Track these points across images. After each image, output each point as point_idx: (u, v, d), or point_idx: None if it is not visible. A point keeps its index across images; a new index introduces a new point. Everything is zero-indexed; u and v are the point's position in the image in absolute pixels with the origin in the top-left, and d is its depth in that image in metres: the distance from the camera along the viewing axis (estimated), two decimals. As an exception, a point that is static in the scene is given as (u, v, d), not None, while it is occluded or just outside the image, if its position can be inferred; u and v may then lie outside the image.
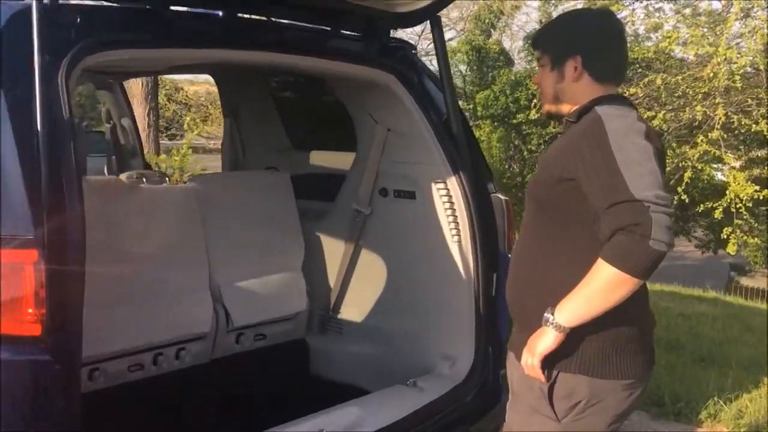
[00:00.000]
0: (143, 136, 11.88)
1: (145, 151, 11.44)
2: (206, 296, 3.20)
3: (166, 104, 24.27)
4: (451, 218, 3.13)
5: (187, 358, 3.17)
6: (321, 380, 3.58)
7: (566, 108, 2.24)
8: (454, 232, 3.12)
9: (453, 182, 3.10)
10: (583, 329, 2.04)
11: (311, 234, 3.70)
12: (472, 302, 3.08)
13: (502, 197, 3.20)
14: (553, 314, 2.03)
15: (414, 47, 3.47)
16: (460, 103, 15.23)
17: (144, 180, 3.17)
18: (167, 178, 3.40)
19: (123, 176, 3.17)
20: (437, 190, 3.15)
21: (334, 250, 3.65)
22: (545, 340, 2.05)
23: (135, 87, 11.87)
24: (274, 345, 3.52)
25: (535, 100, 10.95)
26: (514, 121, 16.11)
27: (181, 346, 3.14)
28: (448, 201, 3.13)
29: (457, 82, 17.05)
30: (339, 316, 3.67)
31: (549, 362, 2.09)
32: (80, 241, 2.02)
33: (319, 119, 4.24)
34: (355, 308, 3.62)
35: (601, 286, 1.95)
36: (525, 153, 16.44)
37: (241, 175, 4.03)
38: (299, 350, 3.63)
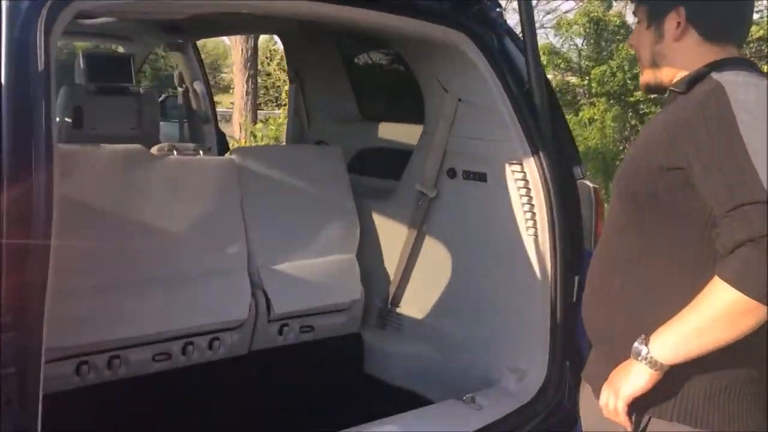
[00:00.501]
0: (240, 103, 11.84)
1: (242, 119, 11.47)
2: (244, 279, 2.86)
3: (276, 73, 24.44)
4: (527, 207, 2.63)
5: (221, 349, 2.84)
6: (374, 381, 3.18)
7: (667, 76, 1.72)
8: (529, 223, 2.63)
9: (531, 164, 2.60)
10: (687, 365, 1.55)
11: (370, 215, 3.29)
12: (548, 307, 2.58)
13: (590, 184, 2.66)
14: (647, 345, 1.55)
15: (498, 5, 2.95)
16: (573, 79, 14.30)
17: (174, 152, 2.85)
18: (201, 151, 3.06)
19: (154, 148, 2.87)
20: (512, 173, 2.65)
21: (394, 235, 3.22)
22: (635, 380, 1.57)
23: (235, 54, 11.81)
24: (324, 339, 3.14)
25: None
26: (631, 99, 15.00)
27: (215, 335, 2.81)
28: (524, 186, 2.62)
29: (572, 55, 16.14)
30: (398, 311, 3.24)
31: (638, 404, 1.61)
32: (46, 220, 1.67)
33: (392, 87, 3.80)
34: (415, 304, 3.19)
35: (718, 315, 1.46)
36: (642, 134, 15.36)
37: (288, 148, 3.69)
38: (352, 346, 3.23)
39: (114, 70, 5.03)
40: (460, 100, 2.84)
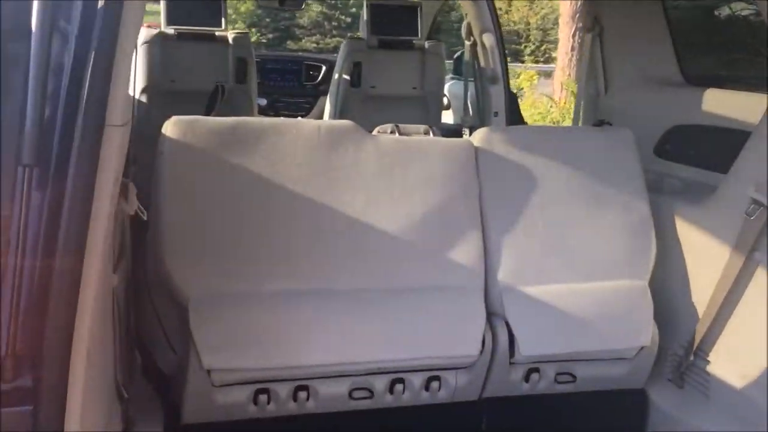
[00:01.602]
0: (563, 60, 10.80)
1: (565, 78, 10.45)
2: (477, 303, 2.12)
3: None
4: None
5: (442, 392, 2.14)
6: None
7: None
8: None
9: None
10: None
11: (673, 222, 2.32)
12: None
13: None
14: None
15: None
16: None
17: (396, 134, 2.23)
18: (431, 133, 2.33)
19: (377, 129, 2.27)
20: None
21: (708, 255, 2.20)
22: None
23: (563, 5, 10.77)
24: (590, 392, 2.27)
25: None
26: None
27: (434, 373, 2.11)
28: None
29: None
30: (707, 367, 2.24)
31: None
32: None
33: (735, 41, 2.69)
34: (733, 359, 2.16)
35: None
36: None
37: (552, 130, 2.83)
38: (631, 407, 2.31)
39: (399, 22, 4.50)
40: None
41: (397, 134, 2.23)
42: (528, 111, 10.58)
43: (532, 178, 2.22)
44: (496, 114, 4.20)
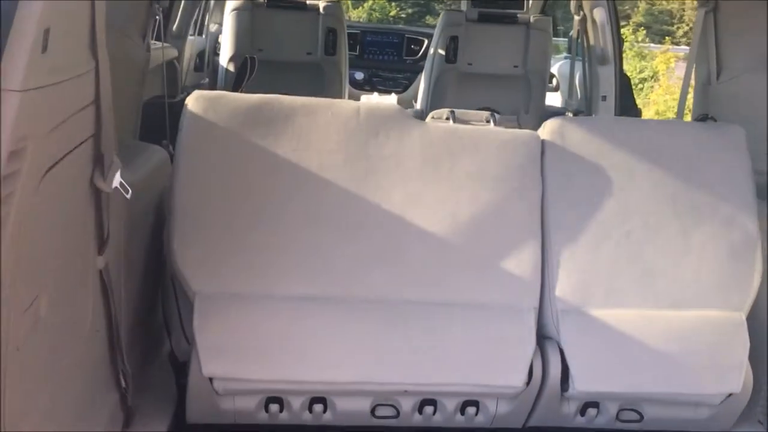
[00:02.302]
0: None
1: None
2: (527, 326, 1.80)
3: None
4: None
5: (480, 417, 1.86)
6: None
7: None
8: None
9: None
10: None
11: None
12: None
13: None
14: None
15: None
16: None
17: (451, 121, 1.96)
18: (492, 122, 2.01)
19: (431, 114, 2.02)
20: None
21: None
22: None
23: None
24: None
25: None
26: None
27: (471, 398, 1.83)
28: None
29: None
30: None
31: None
32: None
33: None
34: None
35: None
36: None
37: (639, 124, 2.33)
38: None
39: (505, -6, 4.19)
40: None
41: (451, 121, 1.95)
42: (661, 97, 9.86)
43: (610, 181, 1.86)
44: (604, 98, 3.82)
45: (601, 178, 1.87)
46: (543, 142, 1.88)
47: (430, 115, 2.00)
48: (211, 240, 1.74)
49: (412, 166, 1.80)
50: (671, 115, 9.42)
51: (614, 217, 1.85)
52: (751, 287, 1.85)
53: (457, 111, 1.99)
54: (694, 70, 2.59)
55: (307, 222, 1.76)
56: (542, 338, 1.82)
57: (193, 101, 1.78)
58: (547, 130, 1.91)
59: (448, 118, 1.97)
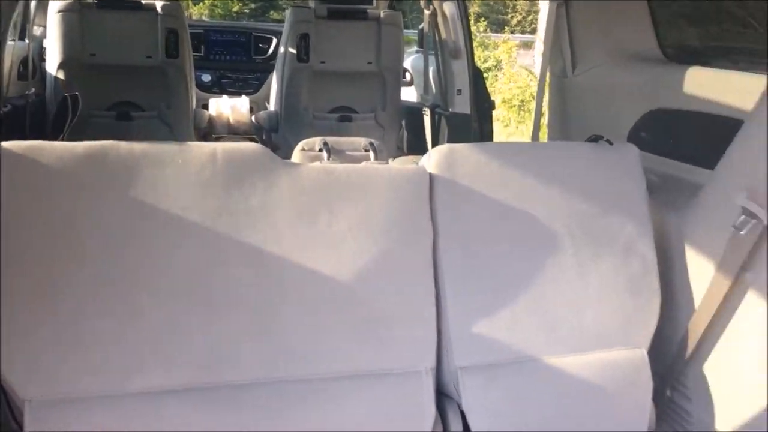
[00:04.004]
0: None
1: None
2: (425, 389, 1.64)
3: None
4: None
5: None
6: None
7: None
8: None
9: None
10: None
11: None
12: None
13: None
14: None
15: None
16: None
17: (326, 154, 1.73)
18: (372, 152, 1.83)
19: (300, 145, 1.79)
20: None
21: (694, 276, 1.80)
22: None
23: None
24: None
25: None
26: None
27: None
28: None
29: None
30: (687, 390, 1.86)
31: None
32: None
33: (721, 11, 2.30)
34: (714, 396, 1.78)
35: None
36: None
37: (534, 148, 2.13)
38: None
39: (352, -10, 4.08)
40: None
41: (326, 155, 1.74)
42: (506, 85, 10.16)
43: (505, 216, 1.71)
44: (459, 92, 3.80)
45: (495, 214, 1.71)
46: (431, 176, 1.68)
47: (300, 146, 1.79)
48: (38, 335, 1.41)
49: (284, 220, 1.55)
50: (517, 102, 9.74)
51: (511, 257, 1.71)
52: (652, 320, 1.79)
53: (330, 140, 1.78)
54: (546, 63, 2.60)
55: (158, 300, 1.46)
56: (442, 398, 1.68)
57: (4, 154, 1.41)
58: (433, 161, 1.70)
59: (321, 150, 1.76)
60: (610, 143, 1.83)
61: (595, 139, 1.85)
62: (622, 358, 1.76)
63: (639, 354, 1.77)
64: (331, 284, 1.57)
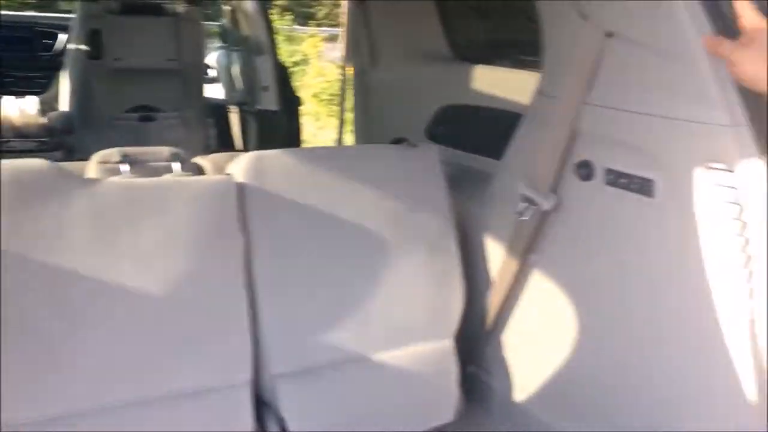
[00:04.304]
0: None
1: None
2: (242, 402, 1.65)
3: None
4: (739, 251, 1.30)
5: None
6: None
7: None
8: (738, 277, 1.30)
9: (751, 173, 1.25)
10: None
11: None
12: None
13: None
14: None
15: None
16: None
17: (126, 167, 1.63)
18: (195, 166, 1.76)
19: (96, 157, 1.66)
20: (715, 189, 1.31)
21: (490, 255, 1.93)
22: None
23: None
24: None
25: None
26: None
27: None
28: (736, 217, 1.29)
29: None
30: (488, 365, 2.00)
31: None
32: None
33: (508, 12, 2.47)
34: (510, 374, 1.93)
35: None
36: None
37: (346, 151, 2.24)
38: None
39: (147, -18, 3.93)
40: (611, 35, 1.48)
41: (126, 167, 1.62)
42: (315, 79, 10.22)
43: (316, 220, 1.72)
44: (265, 89, 3.79)
45: (307, 219, 1.71)
46: (239, 185, 1.65)
47: (95, 158, 1.65)
48: None
49: (82, 241, 1.45)
50: (326, 96, 9.84)
51: (324, 261, 1.73)
52: (458, 310, 1.88)
53: (129, 151, 1.67)
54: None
55: None
56: (262, 406, 1.68)
57: None
58: (242, 169, 1.67)
59: (119, 162, 1.64)
60: (414, 145, 1.91)
61: (398, 141, 1.92)
62: (429, 350, 1.85)
63: (446, 344, 1.87)
64: (140, 304, 1.50)
